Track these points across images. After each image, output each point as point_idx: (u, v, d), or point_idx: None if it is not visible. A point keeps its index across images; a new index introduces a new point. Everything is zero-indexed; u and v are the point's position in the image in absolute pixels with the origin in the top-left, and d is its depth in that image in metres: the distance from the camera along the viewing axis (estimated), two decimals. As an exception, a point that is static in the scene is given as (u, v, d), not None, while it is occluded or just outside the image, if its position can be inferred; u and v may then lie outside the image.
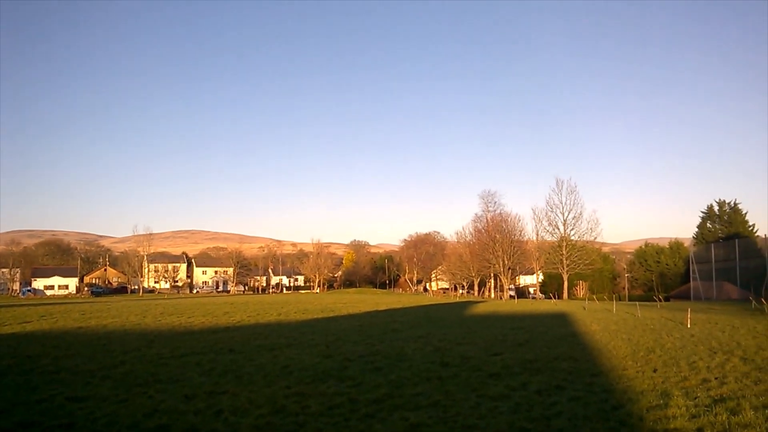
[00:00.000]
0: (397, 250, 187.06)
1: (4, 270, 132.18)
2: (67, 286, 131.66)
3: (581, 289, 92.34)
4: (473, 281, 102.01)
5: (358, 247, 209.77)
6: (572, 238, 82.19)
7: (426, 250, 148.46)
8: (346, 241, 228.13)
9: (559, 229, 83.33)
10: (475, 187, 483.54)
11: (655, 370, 12.66)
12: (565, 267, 79.04)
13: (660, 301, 52.53)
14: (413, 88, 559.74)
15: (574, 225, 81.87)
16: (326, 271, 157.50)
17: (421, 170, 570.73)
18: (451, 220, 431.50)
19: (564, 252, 79.16)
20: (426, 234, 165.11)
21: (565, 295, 79.07)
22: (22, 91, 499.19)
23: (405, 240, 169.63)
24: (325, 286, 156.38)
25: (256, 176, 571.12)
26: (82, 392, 10.83)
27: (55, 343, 19.64)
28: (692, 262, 67.90)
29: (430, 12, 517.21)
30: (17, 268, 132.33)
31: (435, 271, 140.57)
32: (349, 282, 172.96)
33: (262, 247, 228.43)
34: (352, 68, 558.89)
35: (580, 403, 9.59)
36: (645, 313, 33.06)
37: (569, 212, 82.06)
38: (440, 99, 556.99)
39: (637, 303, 44.10)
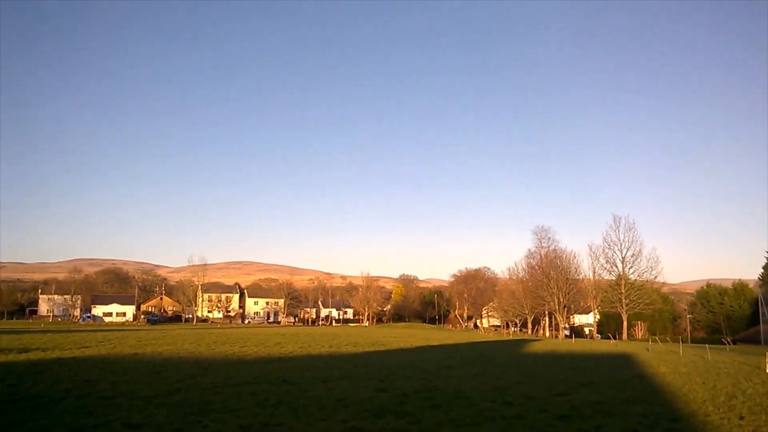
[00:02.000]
0: (446, 285, 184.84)
1: (66, 296, 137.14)
2: (124, 314, 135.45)
3: (640, 330, 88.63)
4: (526, 319, 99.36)
5: (407, 281, 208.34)
6: (631, 276, 79.18)
7: (476, 286, 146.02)
8: (395, 275, 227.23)
9: (617, 266, 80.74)
10: (525, 222, 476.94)
11: (741, 418, 11.63)
12: (624, 306, 75.97)
13: (729, 344, 49.70)
14: (464, 122, 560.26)
15: (633, 263, 79.07)
16: (375, 305, 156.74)
17: (469, 205, 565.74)
18: (501, 256, 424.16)
19: (623, 291, 76.23)
20: (476, 270, 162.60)
21: (625, 335, 75.78)
22: (79, 122, 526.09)
23: (454, 275, 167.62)
24: (374, 320, 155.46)
25: (306, 209, 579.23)
26: (138, 419, 10.69)
27: (112, 368, 19.83)
28: (762, 305, 64.16)
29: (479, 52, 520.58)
30: (78, 294, 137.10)
31: (486, 307, 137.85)
32: (398, 316, 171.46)
33: (312, 279, 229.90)
34: (399, 103, 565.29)
35: (662, 451, 8.79)
36: (715, 356, 31.14)
37: (627, 249, 79.48)
38: (490, 133, 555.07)
39: (707, 345, 41.67)
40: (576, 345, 47.27)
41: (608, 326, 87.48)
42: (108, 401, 12.78)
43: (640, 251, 79.11)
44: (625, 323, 77.54)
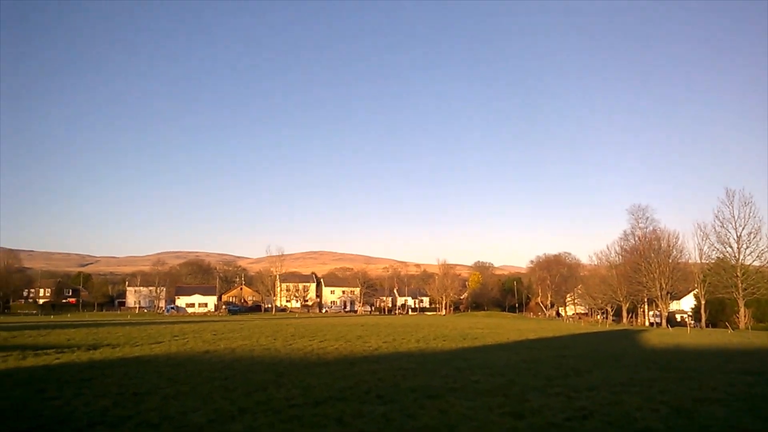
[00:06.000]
0: (523, 272, 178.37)
1: (151, 288, 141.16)
2: (206, 304, 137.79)
3: (743, 317, 79.64)
4: (619, 306, 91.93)
5: (482, 268, 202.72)
6: (749, 258, 70.28)
7: (559, 272, 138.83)
8: (469, 263, 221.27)
9: (731, 247, 71.97)
10: (608, 207, 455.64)
11: None
12: (740, 292, 67.57)
13: None
14: (547, 103, 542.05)
15: (751, 242, 70.11)
16: (452, 293, 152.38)
17: (544, 191, 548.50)
18: (579, 242, 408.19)
19: (739, 274, 67.79)
20: (556, 255, 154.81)
21: (742, 324, 67.21)
22: (171, 129, 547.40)
23: (533, 261, 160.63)
24: (451, 308, 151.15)
25: (380, 199, 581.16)
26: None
27: (173, 373, 16.73)
28: None
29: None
30: (163, 286, 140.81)
31: (570, 294, 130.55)
32: (475, 304, 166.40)
33: (386, 267, 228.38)
34: (496, 91, 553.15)
35: None
36: None
37: (743, 227, 70.46)
38: (575, 119, 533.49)
39: None
40: (695, 336, 41.25)
41: (707, 313, 78.53)
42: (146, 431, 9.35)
43: (758, 229, 70.11)
44: (742, 310, 68.87)
